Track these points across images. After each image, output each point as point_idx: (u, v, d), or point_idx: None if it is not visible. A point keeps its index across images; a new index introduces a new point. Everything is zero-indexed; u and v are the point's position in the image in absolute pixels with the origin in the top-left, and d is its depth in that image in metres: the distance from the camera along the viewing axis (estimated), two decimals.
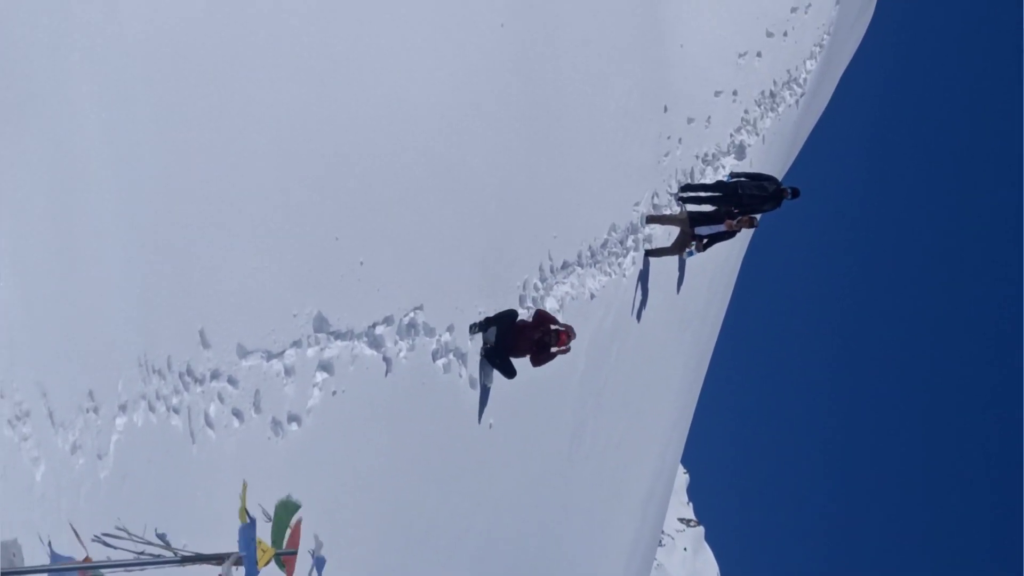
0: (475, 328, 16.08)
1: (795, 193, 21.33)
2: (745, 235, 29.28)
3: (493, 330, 16.26)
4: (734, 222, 20.57)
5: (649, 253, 21.81)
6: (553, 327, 16.44)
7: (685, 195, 22.61)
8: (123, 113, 9.62)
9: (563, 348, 16.63)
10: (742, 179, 21.91)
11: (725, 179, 23.44)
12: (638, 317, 22.16)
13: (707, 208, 21.42)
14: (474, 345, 16.17)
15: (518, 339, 16.33)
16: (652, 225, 21.68)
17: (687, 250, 21.42)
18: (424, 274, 14.75)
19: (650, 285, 22.18)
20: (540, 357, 16.51)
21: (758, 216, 21.28)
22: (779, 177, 30.72)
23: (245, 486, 8.08)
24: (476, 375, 16.41)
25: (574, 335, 16.68)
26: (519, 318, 16.57)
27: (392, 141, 13.90)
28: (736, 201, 21.45)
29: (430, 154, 14.70)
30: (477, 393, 16.55)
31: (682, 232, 21.21)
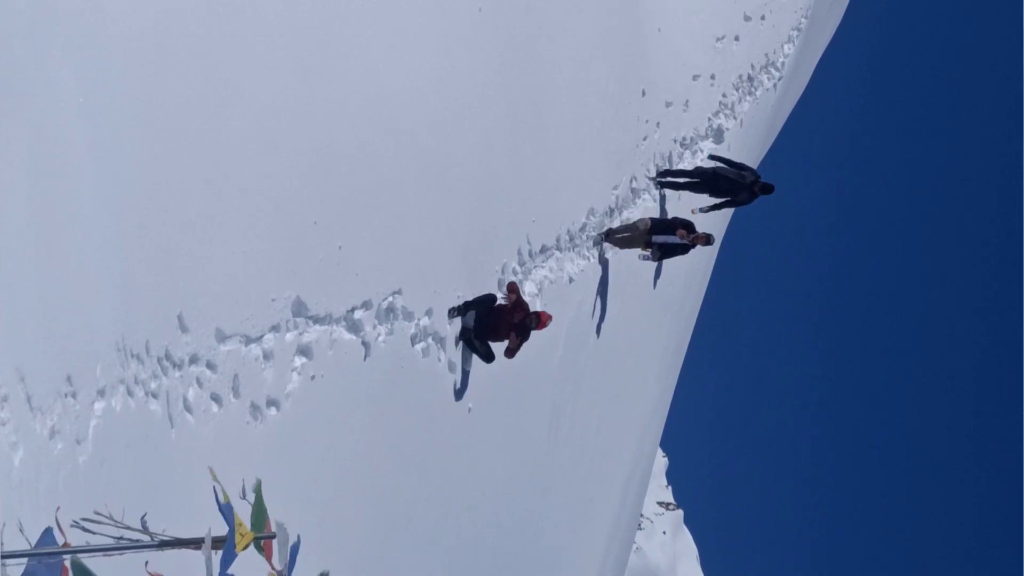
0: (454, 312, 16.09)
1: (766, 189, 21.12)
2: (724, 218, 29.33)
3: (472, 314, 16.27)
4: (688, 235, 19.89)
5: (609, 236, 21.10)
6: (531, 311, 16.46)
7: (663, 180, 22.60)
8: (104, 101, 9.61)
9: (511, 348, 16.62)
10: (721, 164, 21.76)
11: (704, 163, 23.38)
12: (617, 301, 22.18)
13: (672, 215, 21.15)
14: (453, 329, 16.18)
15: (498, 323, 16.35)
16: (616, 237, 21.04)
17: (642, 253, 20.66)
18: (403, 258, 14.75)
19: (629, 269, 22.20)
20: (512, 347, 16.47)
21: (713, 236, 20.72)
22: (758, 161, 30.75)
23: (213, 473, 8.06)
24: (455, 359, 16.43)
25: (548, 318, 16.71)
26: (498, 302, 16.58)
27: (370, 126, 13.89)
28: (713, 187, 21.39)
29: (409, 139, 14.70)
30: (456, 377, 16.57)
31: (640, 234, 20.44)
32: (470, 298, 16.32)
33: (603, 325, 21.86)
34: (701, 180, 21.60)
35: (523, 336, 16.47)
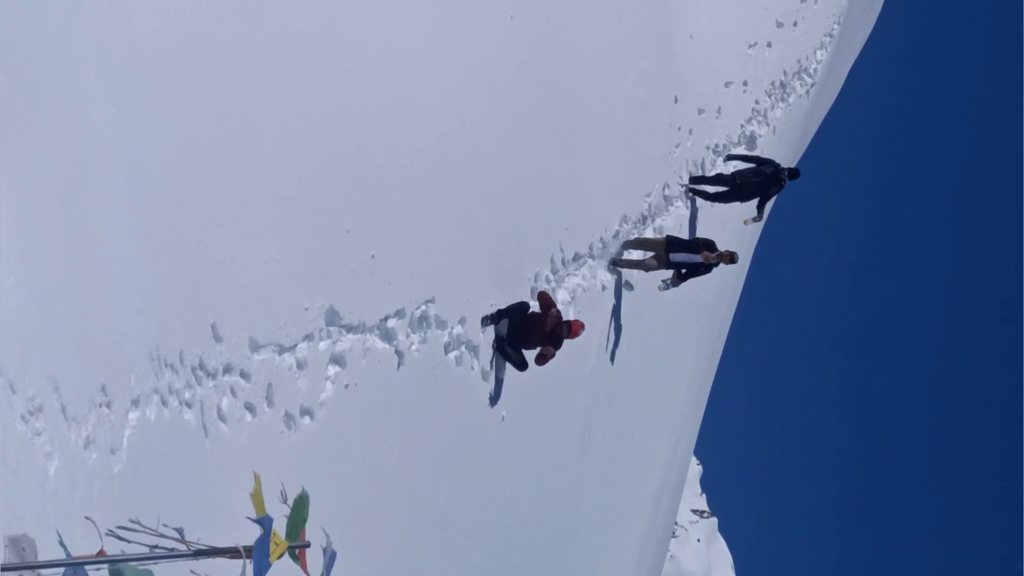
0: (487, 321, 16.09)
1: (793, 174, 20.92)
2: (756, 225, 29.23)
3: (505, 322, 16.26)
4: (712, 255, 19.25)
5: (616, 263, 20.29)
6: (564, 320, 16.43)
7: (694, 187, 22.47)
8: (133, 106, 9.63)
9: (543, 355, 16.51)
10: (739, 166, 21.54)
11: (723, 169, 23.11)
12: (650, 308, 22.12)
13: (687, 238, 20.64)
14: (486, 338, 16.17)
15: (530, 331, 16.34)
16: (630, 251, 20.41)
17: (663, 282, 19.82)
18: (435, 267, 14.74)
19: (662, 276, 22.13)
20: (544, 354, 16.42)
21: (738, 253, 20.01)
22: (791, 166, 30.68)
23: (258, 480, 8.06)
24: (488, 367, 16.41)
25: (583, 326, 16.67)
26: (531, 310, 16.56)
27: (403, 134, 13.89)
28: (739, 193, 21.18)
29: (441, 146, 14.70)
30: (489, 386, 16.55)
31: (656, 256, 19.70)
32: (503, 306, 16.31)
33: (636, 332, 21.79)
34: (728, 190, 21.48)
35: (555, 345, 16.45)
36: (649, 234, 21.11)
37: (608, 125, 19.95)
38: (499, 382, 16.73)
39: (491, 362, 16.39)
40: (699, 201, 22.67)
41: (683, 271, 19.52)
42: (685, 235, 22.07)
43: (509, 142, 16.54)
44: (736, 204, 21.76)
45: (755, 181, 20.99)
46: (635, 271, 20.44)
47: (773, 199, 22.10)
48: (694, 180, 22.63)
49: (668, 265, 19.51)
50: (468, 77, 15.36)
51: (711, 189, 22.10)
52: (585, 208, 19.25)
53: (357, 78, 12.99)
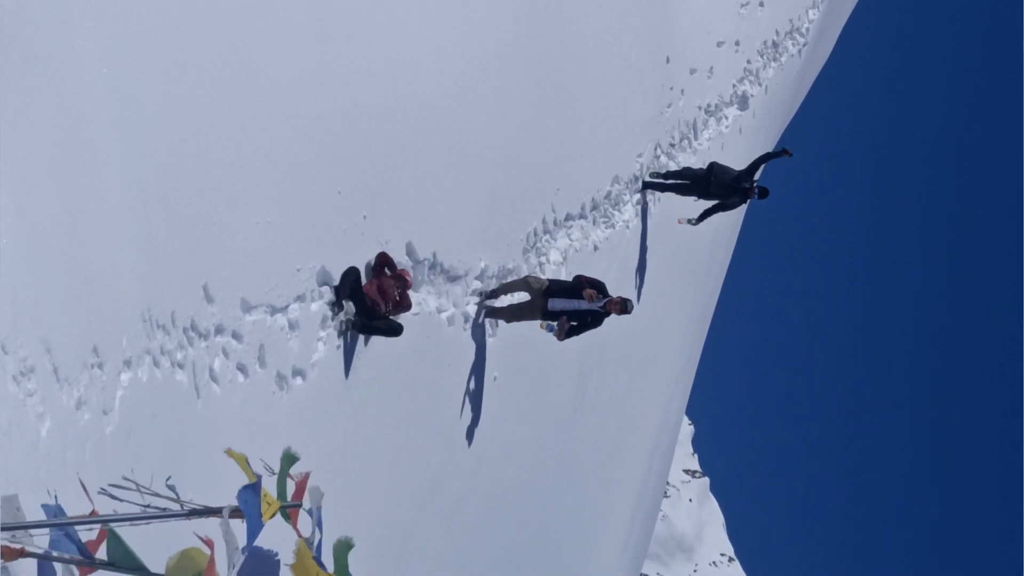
0: (338, 306, 13.39)
1: (763, 193, 20.07)
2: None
3: (350, 303, 13.47)
4: (597, 295, 15.84)
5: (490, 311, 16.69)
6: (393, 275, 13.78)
7: (650, 181, 21.51)
8: (127, 69, 9.61)
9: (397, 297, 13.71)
10: (715, 164, 20.48)
11: (692, 163, 22.05)
12: (642, 268, 22.13)
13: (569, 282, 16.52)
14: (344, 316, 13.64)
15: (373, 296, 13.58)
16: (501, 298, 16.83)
17: (547, 324, 15.98)
18: (427, 228, 14.74)
19: (654, 236, 22.13)
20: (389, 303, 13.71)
21: (632, 301, 16.37)
22: (783, 126, 30.56)
23: (232, 453, 8.08)
24: (482, 329, 16.43)
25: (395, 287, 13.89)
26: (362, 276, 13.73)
27: (395, 95, 13.87)
28: (704, 188, 20.39)
29: (434, 108, 14.67)
30: (481, 347, 16.56)
31: (532, 300, 16.17)
32: (337, 283, 13.46)
33: (628, 293, 21.80)
34: (690, 183, 20.59)
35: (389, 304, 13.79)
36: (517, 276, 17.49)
37: (600, 86, 19.90)
38: (490, 343, 16.73)
39: (358, 340, 13.94)
40: (651, 204, 21.76)
41: (572, 322, 16.03)
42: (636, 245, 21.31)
43: (502, 104, 16.50)
44: (690, 200, 20.86)
45: (728, 183, 19.97)
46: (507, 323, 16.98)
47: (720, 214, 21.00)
48: (655, 175, 21.59)
49: (546, 315, 16.07)
50: (462, 39, 15.32)
51: (671, 182, 21.14)
52: (577, 169, 19.24)
53: (351, 40, 12.96)
